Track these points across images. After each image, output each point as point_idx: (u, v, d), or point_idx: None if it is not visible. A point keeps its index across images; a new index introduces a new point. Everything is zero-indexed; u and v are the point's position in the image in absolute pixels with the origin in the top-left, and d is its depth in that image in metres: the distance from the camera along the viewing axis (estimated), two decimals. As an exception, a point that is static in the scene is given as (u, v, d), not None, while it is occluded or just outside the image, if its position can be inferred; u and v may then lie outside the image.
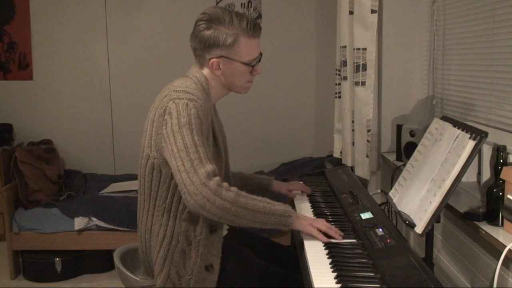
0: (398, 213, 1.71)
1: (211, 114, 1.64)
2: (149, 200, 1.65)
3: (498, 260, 1.48)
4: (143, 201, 1.68)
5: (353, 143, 2.88)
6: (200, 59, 1.70)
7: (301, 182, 2.16)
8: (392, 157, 2.61)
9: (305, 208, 1.92)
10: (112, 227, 3.25)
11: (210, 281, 1.65)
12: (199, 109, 1.54)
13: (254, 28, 1.67)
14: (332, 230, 1.61)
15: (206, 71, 1.71)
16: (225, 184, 1.50)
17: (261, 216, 1.54)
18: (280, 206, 1.59)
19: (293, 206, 1.98)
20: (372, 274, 1.39)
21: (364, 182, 2.86)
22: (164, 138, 1.54)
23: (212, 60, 1.66)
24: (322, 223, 1.62)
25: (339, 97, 3.03)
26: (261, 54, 1.73)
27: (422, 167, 1.71)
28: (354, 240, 1.61)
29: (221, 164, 1.72)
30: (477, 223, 1.65)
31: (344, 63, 2.87)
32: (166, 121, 1.54)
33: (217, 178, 1.48)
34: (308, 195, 2.06)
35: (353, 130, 2.87)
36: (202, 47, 1.66)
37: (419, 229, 1.51)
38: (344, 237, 1.62)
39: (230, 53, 1.66)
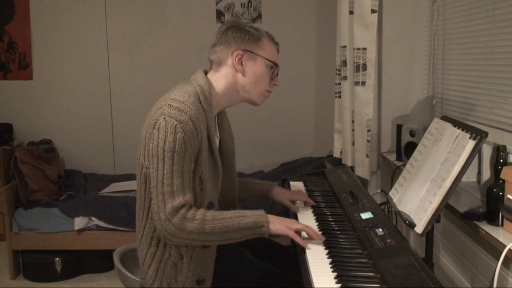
0: (398, 213, 1.71)
1: (208, 128, 1.61)
2: (143, 209, 1.64)
3: (498, 260, 1.48)
4: (138, 208, 1.68)
5: (353, 143, 2.88)
6: (221, 56, 1.67)
7: (305, 192, 2.04)
8: (392, 157, 2.61)
9: (305, 209, 1.92)
10: (112, 227, 3.25)
11: None
12: (187, 132, 1.52)
13: (273, 37, 1.74)
14: (310, 229, 1.60)
15: (222, 72, 1.68)
16: (190, 214, 1.51)
17: (232, 234, 1.56)
18: (250, 218, 1.57)
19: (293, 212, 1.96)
20: (372, 274, 1.39)
21: (364, 182, 2.86)
22: (150, 156, 1.54)
23: (236, 52, 1.65)
24: (299, 225, 1.61)
25: (339, 97, 3.03)
26: (279, 68, 1.73)
27: (422, 167, 1.71)
28: (354, 240, 1.61)
29: (218, 178, 1.69)
30: (477, 223, 1.65)
31: (344, 63, 2.87)
32: (154, 136, 1.53)
33: (183, 211, 1.51)
34: (309, 196, 2.03)
35: (353, 130, 2.87)
36: (226, 42, 1.66)
37: (419, 229, 1.51)
38: (344, 237, 1.62)
39: (255, 48, 1.67)
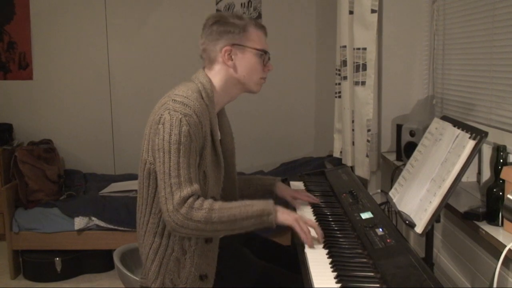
0: (398, 213, 1.71)
1: (210, 124, 1.63)
2: (146, 205, 1.64)
3: (498, 260, 1.48)
4: (141, 205, 1.68)
5: (353, 143, 2.88)
6: (210, 53, 1.69)
7: (308, 193, 2.03)
8: (392, 157, 2.61)
9: (305, 208, 1.92)
10: (112, 227, 3.25)
11: None
12: (192, 125, 1.53)
13: (258, 22, 1.74)
14: (318, 229, 1.60)
15: (215, 69, 1.69)
16: (198, 204, 1.51)
17: (240, 223, 1.55)
18: (258, 206, 1.58)
19: (294, 207, 1.97)
20: (372, 274, 1.39)
21: (364, 182, 2.86)
22: (155, 151, 1.55)
23: (225, 48, 1.66)
24: (307, 222, 1.61)
25: (339, 97, 3.03)
26: (269, 53, 1.74)
27: (422, 167, 1.71)
28: (354, 240, 1.61)
29: (220, 174, 1.70)
30: (477, 223, 1.65)
31: (344, 63, 2.87)
32: (159, 130, 1.54)
33: (190, 201, 1.51)
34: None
35: (353, 130, 2.86)
36: (213, 39, 1.67)
37: (419, 229, 1.51)
38: (344, 237, 1.62)
39: (242, 40, 1.67)
